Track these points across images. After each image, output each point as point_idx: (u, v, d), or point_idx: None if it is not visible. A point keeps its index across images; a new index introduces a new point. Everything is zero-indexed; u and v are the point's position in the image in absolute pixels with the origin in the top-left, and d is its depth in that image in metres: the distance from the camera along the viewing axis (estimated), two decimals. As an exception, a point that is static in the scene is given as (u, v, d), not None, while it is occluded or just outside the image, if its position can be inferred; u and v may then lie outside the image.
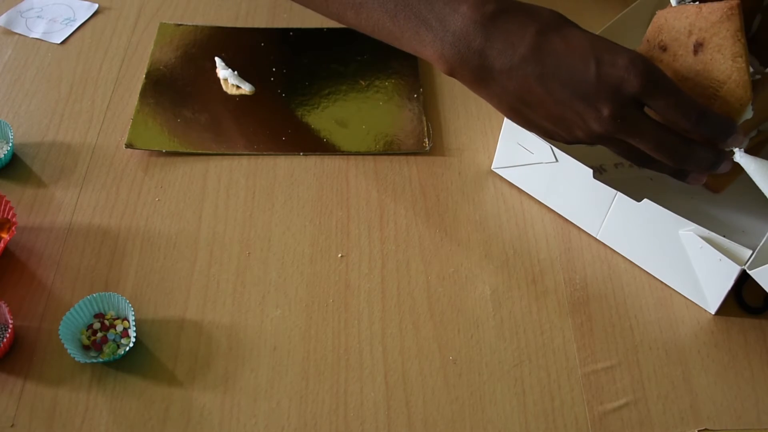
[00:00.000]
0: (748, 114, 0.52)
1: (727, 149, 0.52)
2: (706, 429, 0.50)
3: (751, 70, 0.51)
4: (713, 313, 0.55)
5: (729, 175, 0.60)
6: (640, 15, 0.67)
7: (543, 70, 0.50)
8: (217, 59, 0.72)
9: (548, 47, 0.50)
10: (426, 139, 0.66)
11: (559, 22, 0.51)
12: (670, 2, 0.55)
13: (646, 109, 0.51)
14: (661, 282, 0.57)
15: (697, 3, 0.52)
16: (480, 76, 0.52)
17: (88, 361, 0.51)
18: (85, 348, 0.53)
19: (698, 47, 0.52)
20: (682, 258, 0.54)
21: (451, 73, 0.53)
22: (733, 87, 0.51)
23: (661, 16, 0.55)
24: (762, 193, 0.53)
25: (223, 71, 0.71)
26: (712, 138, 0.50)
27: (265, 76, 0.72)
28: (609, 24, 0.63)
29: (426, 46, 0.53)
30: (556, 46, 0.50)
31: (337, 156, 0.65)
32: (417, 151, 0.66)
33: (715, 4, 0.51)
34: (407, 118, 0.68)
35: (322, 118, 0.68)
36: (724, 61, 0.51)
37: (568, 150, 0.56)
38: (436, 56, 0.53)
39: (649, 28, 0.57)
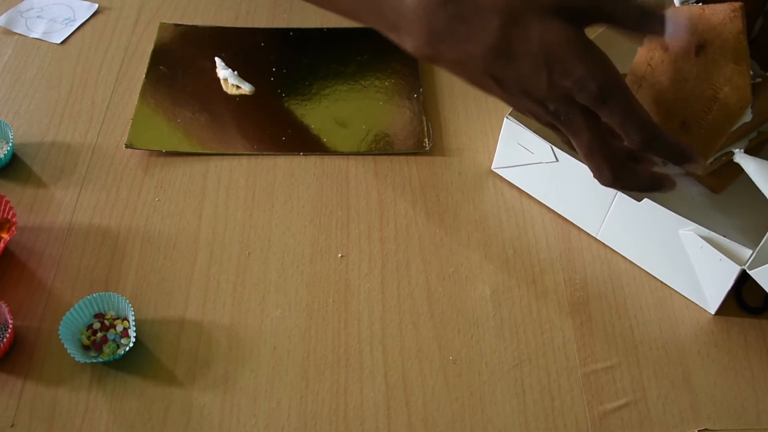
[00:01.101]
0: (747, 117, 0.52)
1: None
2: (706, 429, 0.50)
3: (751, 73, 0.51)
4: (713, 313, 0.55)
5: (729, 175, 0.60)
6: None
7: (494, 70, 0.48)
8: (217, 59, 0.72)
9: (505, 48, 0.47)
10: (426, 139, 0.66)
11: (524, 10, 0.47)
12: (672, 3, 0.55)
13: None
14: (661, 282, 0.57)
15: (701, 4, 0.52)
16: (434, 61, 0.51)
17: (88, 361, 0.51)
18: (85, 348, 0.53)
19: (700, 49, 0.52)
20: (682, 258, 0.54)
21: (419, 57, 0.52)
22: (733, 89, 0.51)
23: None
24: (762, 193, 0.53)
25: (223, 71, 0.71)
26: (668, 160, 0.49)
27: (265, 76, 0.72)
28: (609, 24, 0.63)
29: (391, 35, 0.52)
30: (514, 47, 0.47)
31: (337, 156, 0.65)
32: (417, 151, 0.66)
33: (719, 6, 0.51)
34: (407, 118, 0.68)
35: (322, 118, 0.68)
36: (725, 64, 0.51)
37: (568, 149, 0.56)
38: (398, 43, 0.51)
39: None
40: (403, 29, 0.50)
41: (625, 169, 0.49)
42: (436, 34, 0.48)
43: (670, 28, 0.47)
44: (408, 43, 0.50)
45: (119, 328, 0.54)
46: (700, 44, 0.52)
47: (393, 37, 0.51)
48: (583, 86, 0.46)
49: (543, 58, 0.46)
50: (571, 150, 0.53)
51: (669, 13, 0.48)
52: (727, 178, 0.60)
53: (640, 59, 0.56)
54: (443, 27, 0.48)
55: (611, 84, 0.46)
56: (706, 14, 0.51)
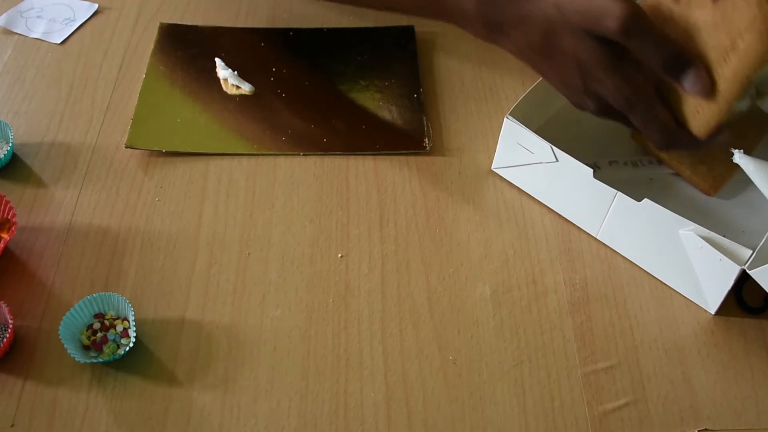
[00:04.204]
0: None
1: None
2: (706, 429, 0.50)
3: None
4: (713, 313, 0.55)
5: (721, 177, 0.60)
6: None
7: (537, 66, 0.56)
8: (217, 59, 0.72)
9: (545, 52, 0.54)
10: (426, 139, 0.66)
11: (561, 24, 0.52)
12: None
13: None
14: (661, 282, 0.57)
15: None
16: (494, 44, 0.59)
17: (88, 361, 0.51)
18: (85, 348, 0.53)
19: None
20: (682, 258, 0.54)
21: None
22: (755, 36, 0.47)
23: None
24: (762, 193, 0.53)
25: (223, 71, 0.71)
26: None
27: (265, 76, 0.72)
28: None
29: (451, 23, 0.62)
30: (552, 52, 0.54)
31: (337, 156, 0.65)
32: (417, 151, 0.66)
33: None
34: (407, 118, 0.68)
35: (322, 118, 0.68)
36: (748, 9, 0.47)
37: (567, 148, 0.56)
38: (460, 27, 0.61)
39: None
40: (464, 22, 0.59)
41: (674, 134, 0.54)
42: (490, 29, 0.57)
43: (689, 82, 0.51)
44: (468, 30, 0.60)
45: (119, 328, 0.54)
46: None
47: (454, 23, 0.61)
48: (610, 95, 0.53)
49: (576, 66, 0.53)
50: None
51: (695, 68, 0.50)
52: (719, 180, 0.60)
53: (649, 8, 0.52)
54: (495, 25, 0.56)
55: (637, 98, 0.52)
56: None
